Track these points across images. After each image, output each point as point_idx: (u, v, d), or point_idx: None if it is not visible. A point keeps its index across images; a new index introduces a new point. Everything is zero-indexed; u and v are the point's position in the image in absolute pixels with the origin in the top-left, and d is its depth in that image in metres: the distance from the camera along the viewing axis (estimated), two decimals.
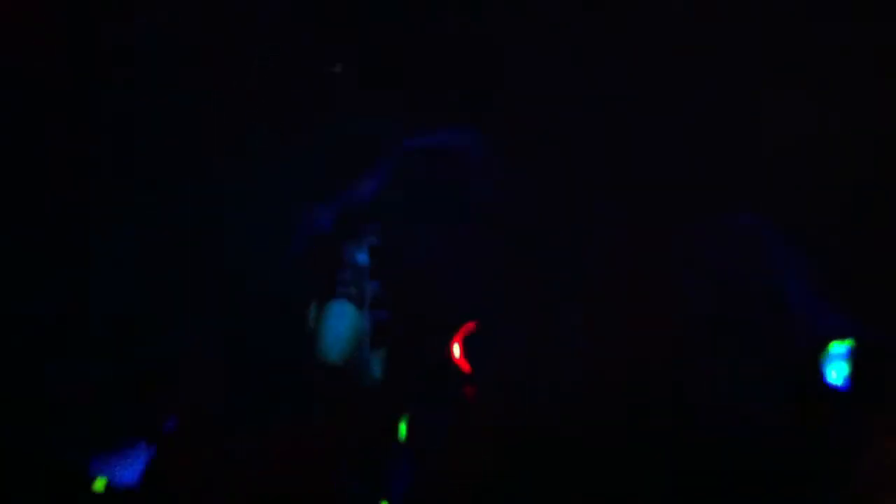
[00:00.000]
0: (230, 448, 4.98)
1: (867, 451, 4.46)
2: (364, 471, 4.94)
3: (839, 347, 4.72)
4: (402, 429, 5.05)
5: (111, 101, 6.00)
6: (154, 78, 5.94)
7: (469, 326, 5.20)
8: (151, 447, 5.21)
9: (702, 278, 5.06)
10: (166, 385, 5.48)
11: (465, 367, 5.15)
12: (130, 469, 5.24)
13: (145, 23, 5.95)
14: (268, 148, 6.04)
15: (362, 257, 5.55)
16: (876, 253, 5.03)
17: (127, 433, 5.35)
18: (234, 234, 6.19)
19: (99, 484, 5.22)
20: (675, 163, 5.33)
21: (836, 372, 4.69)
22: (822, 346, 4.72)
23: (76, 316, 5.79)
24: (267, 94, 6.09)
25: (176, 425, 5.23)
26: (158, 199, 6.07)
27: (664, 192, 5.33)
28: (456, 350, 5.17)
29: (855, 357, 4.68)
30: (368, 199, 5.59)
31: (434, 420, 5.07)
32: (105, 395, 5.50)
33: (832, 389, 4.69)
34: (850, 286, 4.98)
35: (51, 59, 5.95)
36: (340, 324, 5.44)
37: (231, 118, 6.00)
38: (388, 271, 5.49)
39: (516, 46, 5.73)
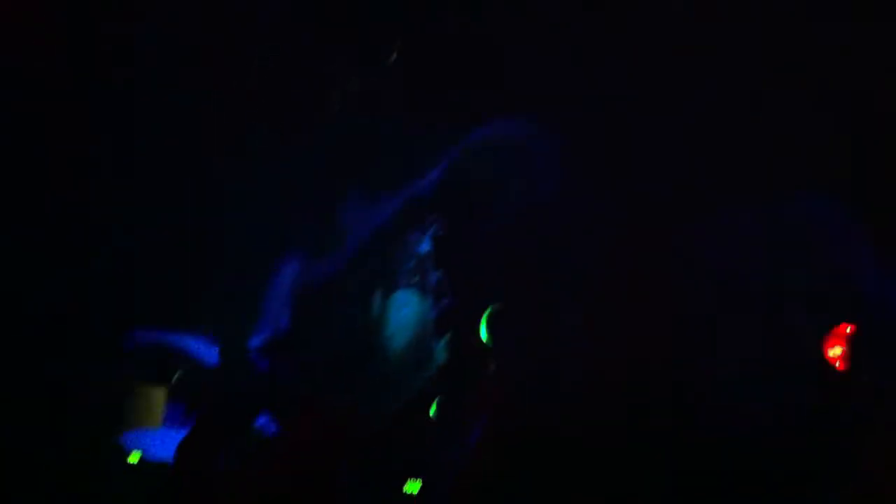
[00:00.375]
0: (236, 446, 4.99)
1: (867, 451, 4.46)
2: (364, 470, 4.94)
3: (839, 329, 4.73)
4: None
5: (111, 101, 6.00)
6: (154, 78, 5.94)
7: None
8: (184, 427, 5.30)
9: (702, 278, 5.06)
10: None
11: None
12: (164, 445, 5.33)
13: (145, 23, 5.95)
14: (268, 148, 6.05)
15: (425, 246, 5.64)
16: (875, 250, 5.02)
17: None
18: (233, 232, 6.20)
19: (133, 457, 5.34)
20: (675, 163, 5.33)
21: (836, 352, 4.70)
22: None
23: (77, 316, 5.81)
24: (267, 94, 6.09)
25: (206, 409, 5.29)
26: (158, 198, 6.08)
27: (664, 192, 5.32)
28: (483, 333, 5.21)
29: (856, 340, 4.69)
30: (431, 190, 5.65)
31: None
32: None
33: (835, 371, 4.70)
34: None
35: (51, 59, 5.95)
36: (405, 312, 5.57)
37: (231, 118, 6.00)
38: (450, 260, 5.59)
39: (516, 46, 5.72)
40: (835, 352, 4.72)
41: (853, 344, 4.68)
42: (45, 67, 5.95)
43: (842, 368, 4.70)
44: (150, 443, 5.42)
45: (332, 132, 6.07)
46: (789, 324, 4.91)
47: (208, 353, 5.54)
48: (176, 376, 5.52)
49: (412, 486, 5.02)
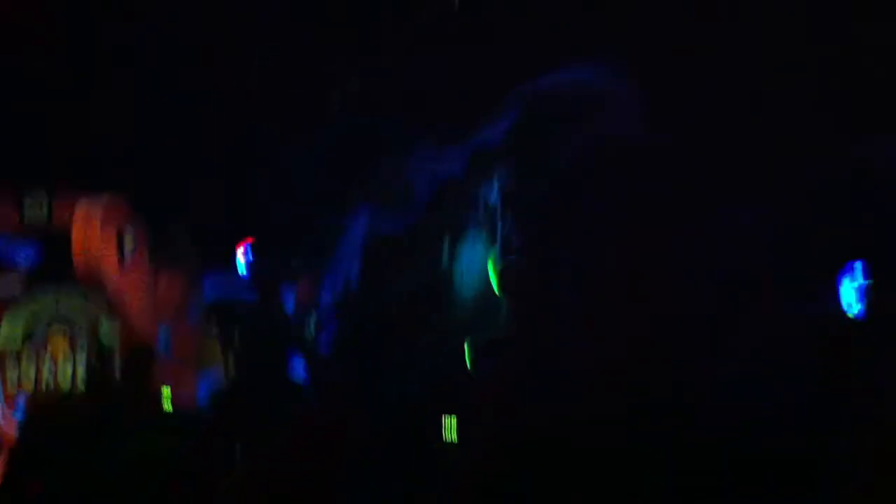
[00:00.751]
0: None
1: (867, 451, 4.46)
2: (364, 470, 4.95)
3: (855, 280, 4.73)
4: None
5: (111, 101, 6.00)
6: (154, 78, 5.94)
7: None
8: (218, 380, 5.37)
9: (702, 278, 5.05)
10: None
11: None
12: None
13: (145, 23, 5.96)
14: (267, 148, 6.05)
15: (494, 197, 5.53)
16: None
17: None
18: (232, 232, 6.21)
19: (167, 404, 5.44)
20: (675, 163, 5.32)
21: (852, 302, 4.71)
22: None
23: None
24: (267, 94, 6.09)
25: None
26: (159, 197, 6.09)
27: (664, 192, 5.32)
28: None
29: (869, 290, 4.69)
30: (500, 140, 5.58)
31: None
32: None
33: (850, 320, 4.69)
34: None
35: (51, 59, 5.96)
36: (473, 264, 5.49)
37: (231, 118, 6.01)
38: (518, 211, 5.47)
39: (515, 46, 5.72)
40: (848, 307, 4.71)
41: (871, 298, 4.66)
42: (45, 67, 5.96)
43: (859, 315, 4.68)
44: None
45: (332, 132, 6.07)
46: (789, 323, 4.91)
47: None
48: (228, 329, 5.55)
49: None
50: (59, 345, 6.62)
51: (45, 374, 6.58)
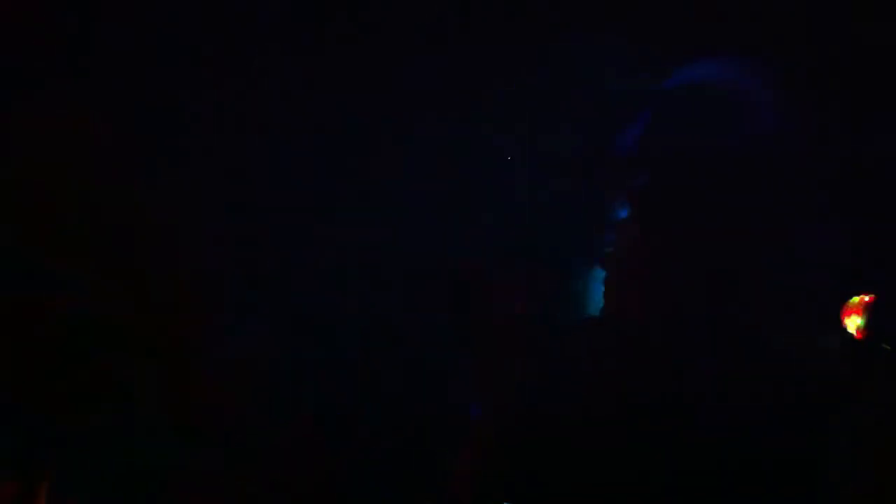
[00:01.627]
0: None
1: (867, 451, 4.46)
2: (364, 470, 4.95)
3: (856, 300, 4.73)
4: None
5: (110, 100, 6.00)
6: (154, 78, 5.95)
7: None
8: None
9: (702, 278, 5.06)
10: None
11: None
12: None
13: (145, 23, 5.96)
14: (268, 147, 6.06)
15: (625, 213, 5.35)
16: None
17: None
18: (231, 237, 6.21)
19: None
20: (676, 163, 5.33)
21: (853, 324, 4.71)
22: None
23: None
24: (266, 94, 6.10)
25: None
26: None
27: (665, 193, 5.32)
28: None
29: (871, 310, 4.69)
30: (633, 148, 5.35)
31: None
32: None
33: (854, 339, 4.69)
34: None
35: (51, 59, 5.96)
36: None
37: (231, 118, 6.01)
38: (654, 226, 5.23)
39: (512, 47, 5.73)
40: (853, 323, 4.71)
41: (872, 314, 4.67)
42: (45, 67, 5.96)
43: (860, 337, 4.68)
44: None
45: (332, 133, 6.07)
46: (790, 324, 4.91)
47: None
48: None
49: None
50: None
51: None
